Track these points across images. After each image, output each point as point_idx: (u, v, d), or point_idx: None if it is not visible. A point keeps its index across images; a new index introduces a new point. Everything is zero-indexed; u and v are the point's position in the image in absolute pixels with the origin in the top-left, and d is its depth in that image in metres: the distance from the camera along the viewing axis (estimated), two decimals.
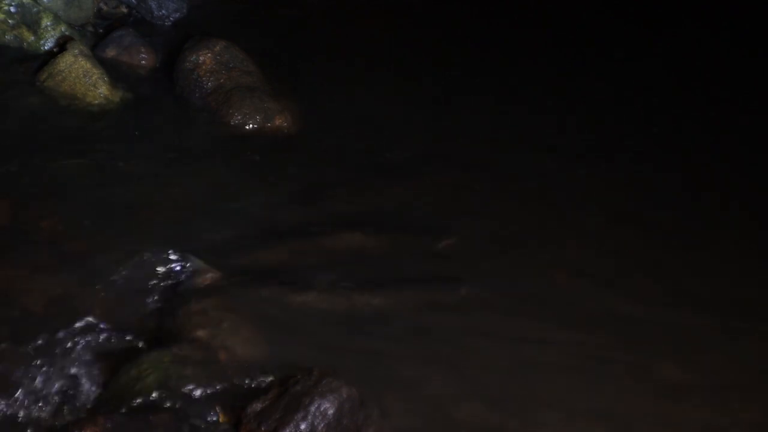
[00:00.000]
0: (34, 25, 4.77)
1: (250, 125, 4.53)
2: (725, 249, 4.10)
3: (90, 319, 3.13)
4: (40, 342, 2.99)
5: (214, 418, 2.77)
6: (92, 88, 4.47)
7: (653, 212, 4.34)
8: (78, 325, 3.09)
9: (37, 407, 2.83)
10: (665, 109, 5.39)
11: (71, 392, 2.89)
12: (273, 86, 4.79)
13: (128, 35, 4.98)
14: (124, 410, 2.74)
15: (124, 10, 5.40)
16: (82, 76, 4.46)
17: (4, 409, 2.80)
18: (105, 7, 5.35)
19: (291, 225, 3.86)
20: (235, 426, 2.75)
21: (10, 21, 4.73)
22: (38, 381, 2.89)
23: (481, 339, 3.33)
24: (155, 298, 3.29)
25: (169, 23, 5.43)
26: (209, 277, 3.39)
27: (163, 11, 5.42)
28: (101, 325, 3.12)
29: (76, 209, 3.70)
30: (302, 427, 2.67)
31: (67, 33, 4.81)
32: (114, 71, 4.68)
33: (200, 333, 3.09)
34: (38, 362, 2.93)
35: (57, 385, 2.90)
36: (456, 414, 2.99)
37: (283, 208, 3.98)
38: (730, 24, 6.37)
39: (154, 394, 2.81)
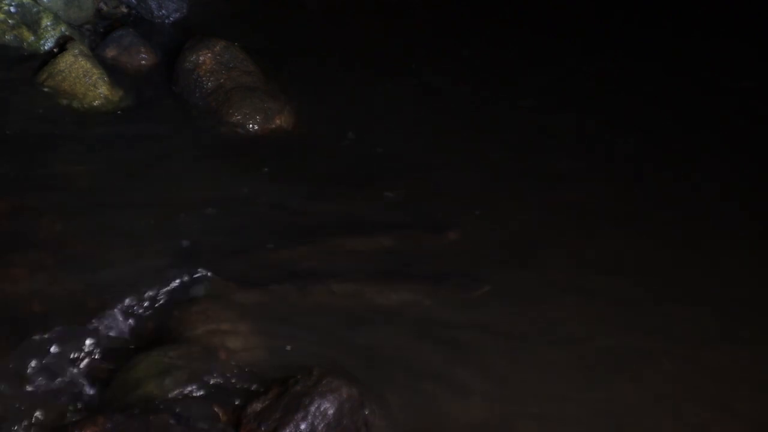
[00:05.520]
0: (34, 25, 4.77)
1: (250, 125, 4.53)
2: (725, 247, 4.10)
3: (90, 319, 3.13)
4: (40, 342, 2.99)
5: (214, 418, 2.77)
6: (92, 88, 4.47)
7: (656, 211, 4.35)
8: (78, 325, 3.09)
9: (37, 407, 2.83)
10: (663, 108, 5.40)
11: (71, 392, 2.89)
12: (273, 86, 4.79)
13: (128, 35, 4.98)
14: (124, 410, 2.74)
15: (124, 10, 5.40)
16: (82, 76, 4.46)
17: (4, 410, 2.80)
18: (105, 7, 5.35)
19: (291, 225, 3.86)
20: (235, 426, 2.75)
21: (10, 21, 4.73)
22: (38, 381, 2.89)
23: (483, 339, 3.33)
24: (155, 297, 3.28)
25: (169, 23, 5.43)
26: (209, 277, 3.39)
27: (163, 11, 5.42)
28: (101, 325, 3.11)
29: (76, 209, 3.69)
30: (302, 427, 2.67)
31: (67, 33, 4.81)
32: (114, 71, 4.68)
33: (200, 333, 3.09)
34: (38, 362, 2.93)
35: (57, 385, 2.90)
36: (457, 414, 2.99)
37: (283, 208, 3.98)
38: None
39: (153, 394, 2.81)
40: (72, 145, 4.15)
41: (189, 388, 2.85)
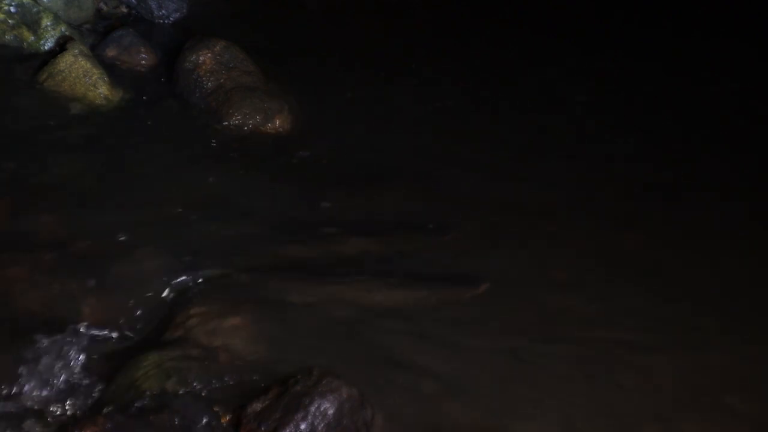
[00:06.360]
0: (34, 25, 4.77)
1: (250, 125, 4.53)
2: (725, 247, 4.10)
3: (90, 319, 3.14)
4: (40, 342, 2.99)
5: (214, 418, 2.77)
6: (92, 88, 4.47)
7: (656, 211, 4.35)
8: (78, 325, 3.09)
9: (37, 407, 2.83)
10: (663, 108, 5.40)
11: (71, 392, 2.89)
12: (273, 86, 4.79)
13: (128, 35, 4.98)
14: (124, 410, 2.74)
15: (124, 10, 5.41)
16: (82, 76, 4.46)
17: (5, 410, 2.80)
18: (105, 7, 5.36)
19: (291, 225, 3.86)
20: (235, 426, 2.75)
21: (10, 21, 4.73)
22: (38, 381, 2.89)
23: (483, 338, 3.33)
24: (155, 297, 3.29)
25: (169, 23, 5.43)
26: (209, 277, 3.39)
27: (163, 11, 5.43)
28: (101, 325, 3.12)
29: (76, 209, 3.70)
30: (302, 427, 2.67)
31: (67, 33, 4.81)
32: (114, 71, 4.69)
33: (200, 333, 3.09)
34: (38, 362, 2.93)
35: (57, 385, 2.90)
36: (457, 414, 2.99)
37: (283, 208, 3.98)
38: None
39: (154, 394, 2.81)
40: (72, 145, 4.15)
41: (189, 388, 2.85)
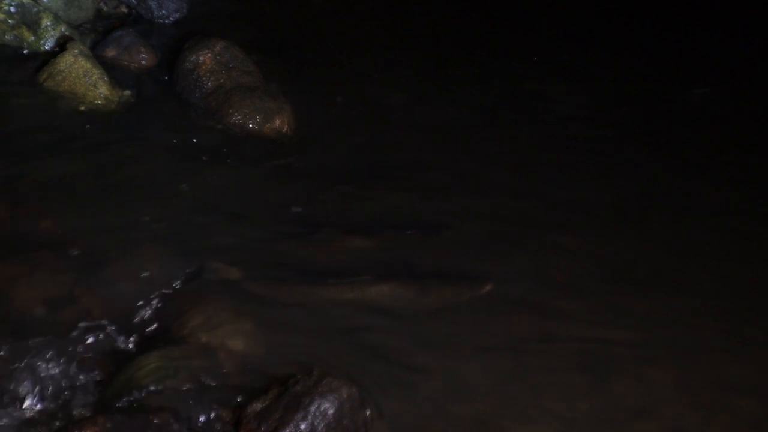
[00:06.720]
0: (34, 25, 4.77)
1: (250, 125, 4.53)
2: (726, 248, 4.10)
3: (90, 319, 3.13)
4: (40, 342, 2.99)
5: (214, 418, 2.77)
6: (92, 88, 4.47)
7: (657, 211, 4.35)
8: (78, 325, 3.09)
9: (37, 407, 2.83)
10: (664, 108, 5.40)
11: (71, 392, 2.89)
12: (273, 86, 4.79)
13: (128, 35, 4.98)
14: (124, 410, 2.74)
15: (124, 10, 5.41)
16: (82, 76, 4.46)
17: (5, 409, 2.80)
18: (105, 7, 5.36)
19: (291, 225, 3.86)
20: (235, 426, 2.75)
21: (10, 21, 4.73)
22: (39, 381, 2.89)
23: (484, 338, 3.33)
24: (155, 297, 3.28)
25: (169, 23, 5.44)
26: (209, 276, 3.39)
27: (163, 11, 5.43)
28: (101, 325, 3.11)
29: (76, 209, 3.69)
30: (302, 427, 2.67)
31: (67, 33, 4.81)
32: (114, 71, 4.69)
33: (200, 333, 3.09)
34: (39, 362, 2.93)
35: (57, 385, 2.90)
36: (457, 414, 2.99)
37: (282, 207, 3.98)
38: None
39: (154, 394, 2.81)
40: (72, 145, 4.15)
41: (189, 388, 2.85)
